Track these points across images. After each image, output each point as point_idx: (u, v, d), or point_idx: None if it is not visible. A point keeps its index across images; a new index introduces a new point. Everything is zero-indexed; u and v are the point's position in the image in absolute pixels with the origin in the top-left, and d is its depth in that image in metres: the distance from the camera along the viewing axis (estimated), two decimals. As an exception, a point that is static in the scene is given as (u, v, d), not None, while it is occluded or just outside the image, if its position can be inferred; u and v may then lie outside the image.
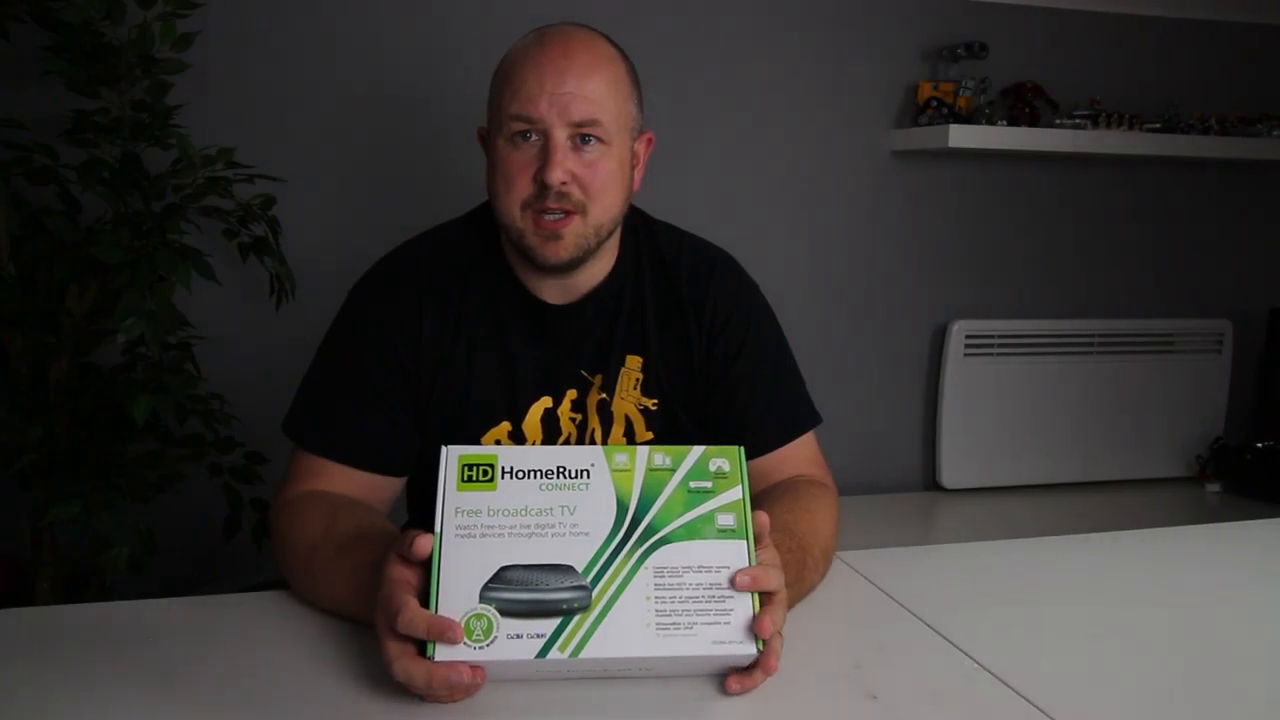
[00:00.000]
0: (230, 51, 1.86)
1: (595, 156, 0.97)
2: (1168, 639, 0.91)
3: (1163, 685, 0.81)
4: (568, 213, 0.97)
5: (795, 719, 0.74)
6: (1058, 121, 2.25)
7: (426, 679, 0.70)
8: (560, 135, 0.95)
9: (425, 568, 0.73)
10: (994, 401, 2.38)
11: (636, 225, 1.12)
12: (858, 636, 0.88)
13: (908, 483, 2.43)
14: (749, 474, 0.81)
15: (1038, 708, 0.76)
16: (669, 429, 1.09)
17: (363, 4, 1.93)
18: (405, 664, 0.70)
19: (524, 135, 0.96)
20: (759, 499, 0.98)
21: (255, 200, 1.67)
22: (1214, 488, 2.47)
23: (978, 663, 0.83)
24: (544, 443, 1.06)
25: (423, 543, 0.72)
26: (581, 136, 0.96)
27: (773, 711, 0.74)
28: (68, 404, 1.56)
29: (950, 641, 0.87)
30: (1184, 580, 1.07)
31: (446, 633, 0.69)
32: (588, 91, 0.96)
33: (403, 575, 0.74)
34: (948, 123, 2.13)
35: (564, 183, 0.95)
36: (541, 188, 0.96)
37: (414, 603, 0.71)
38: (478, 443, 1.05)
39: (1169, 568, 1.11)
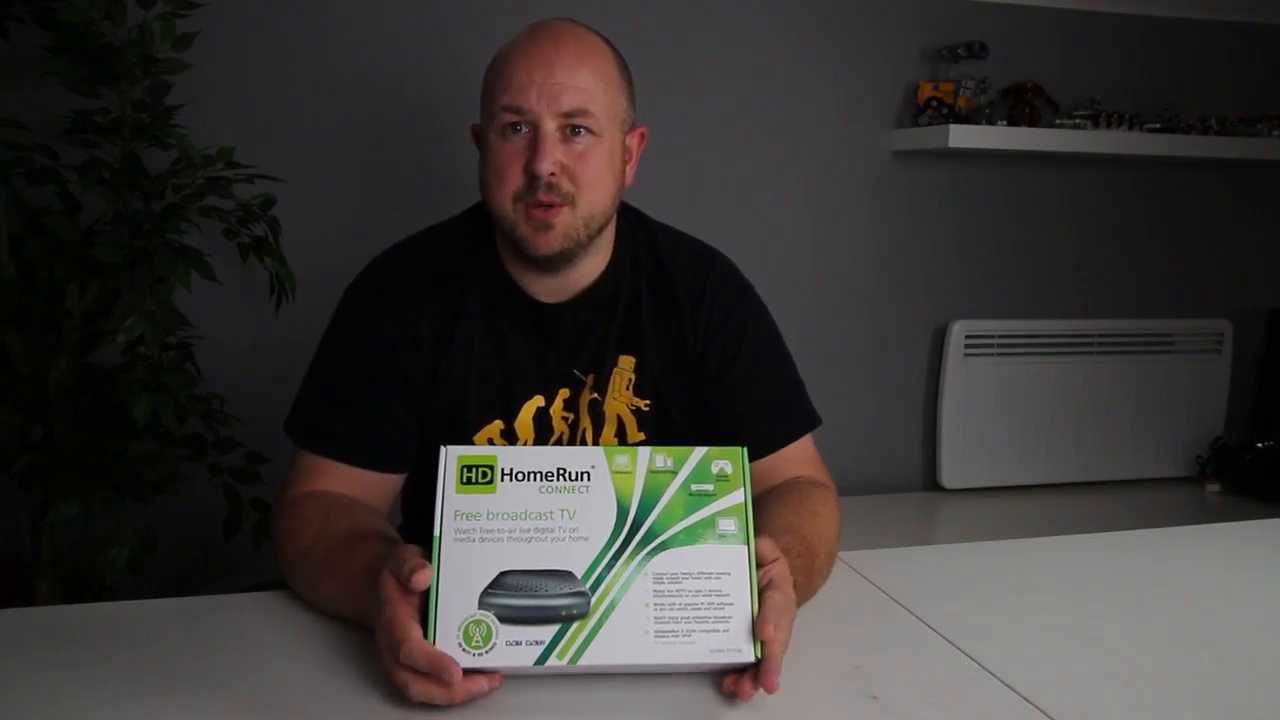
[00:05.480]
0: (230, 51, 1.86)
1: (585, 148, 0.97)
2: (1168, 639, 0.91)
3: (1163, 685, 0.81)
4: (557, 204, 0.97)
5: (795, 719, 0.74)
6: (1058, 121, 2.25)
7: (447, 698, 0.70)
8: (550, 126, 0.95)
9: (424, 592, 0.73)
10: (994, 401, 2.38)
11: (634, 225, 1.12)
12: (858, 636, 0.88)
13: (908, 483, 2.43)
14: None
15: (1038, 708, 0.76)
16: (662, 430, 1.08)
17: (363, 4, 1.93)
18: (422, 686, 0.70)
19: (514, 127, 0.96)
20: (760, 501, 0.98)
21: (255, 200, 1.67)
22: (1214, 488, 2.47)
23: (978, 663, 0.83)
24: (536, 442, 1.06)
25: (421, 578, 0.71)
26: (571, 128, 0.96)
27: (773, 711, 0.74)
28: (68, 404, 1.56)
29: (950, 641, 0.87)
30: (1184, 580, 1.07)
31: (444, 672, 0.69)
32: (577, 82, 0.96)
33: (401, 595, 0.73)
34: (948, 123, 2.13)
35: (552, 174, 0.95)
36: (531, 179, 0.96)
37: (415, 633, 0.71)
38: (470, 440, 1.04)
39: (1169, 568, 1.11)
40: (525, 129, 0.96)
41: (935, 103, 2.18)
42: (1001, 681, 0.80)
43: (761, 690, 0.73)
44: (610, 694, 0.75)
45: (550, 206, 0.96)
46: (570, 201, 0.97)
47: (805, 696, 0.76)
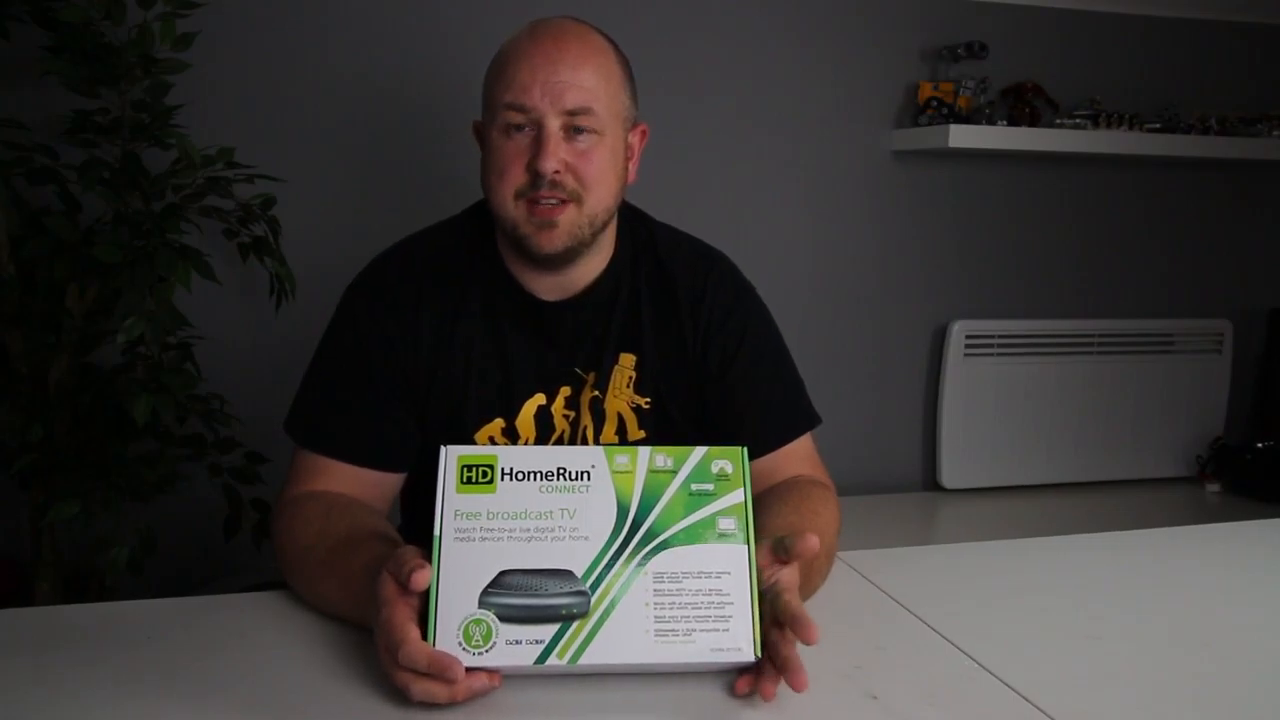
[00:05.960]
0: (230, 51, 1.86)
1: (588, 146, 0.97)
2: (1168, 639, 0.91)
3: (1163, 685, 0.81)
4: (562, 201, 0.97)
5: (795, 719, 0.74)
6: (1058, 121, 2.25)
7: (449, 696, 0.70)
8: (553, 124, 0.95)
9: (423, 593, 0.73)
10: (994, 401, 2.38)
11: (634, 224, 1.12)
12: (858, 636, 0.88)
13: (908, 483, 2.43)
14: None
15: (1038, 708, 0.76)
16: (662, 427, 1.09)
17: (363, 4, 1.93)
18: (423, 686, 0.70)
19: (517, 126, 0.96)
20: (760, 500, 0.98)
21: (255, 200, 1.67)
22: (1214, 488, 2.47)
23: (978, 663, 0.83)
24: (537, 440, 1.06)
25: (420, 578, 0.71)
26: (575, 127, 0.96)
27: (773, 712, 0.74)
28: (68, 404, 1.56)
29: (950, 641, 0.87)
30: (1184, 580, 1.07)
31: (446, 671, 0.69)
32: (580, 80, 0.96)
33: (400, 596, 0.73)
34: (948, 123, 2.13)
35: (556, 172, 0.95)
36: (535, 177, 0.96)
37: (414, 634, 0.71)
38: (471, 439, 1.04)
39: (1169, 568, 1.11)
40: (528, 127, 0.97)
41: (935, 103, 2.18)
42: (1001, 681, 0.80)
43: (764, 691, 0.73)
44: (610, 694, 0.75)
45: (554, 204, 0.97)
46: (576, 199, 0.97)
47: (805, 696, 0.76)
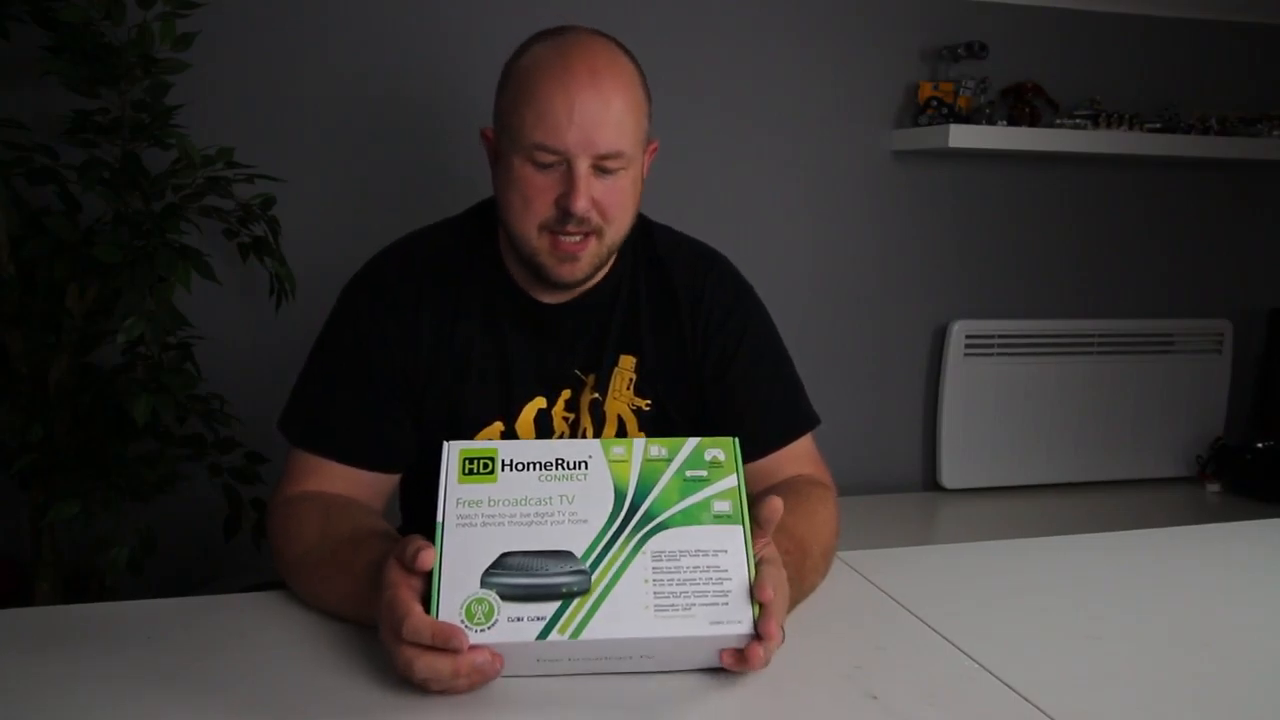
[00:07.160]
0: (230, 51, 1.86)
1: (614, 182, 0.97)
2: (1168, 639, 0.91)
3: (1163, 685, 0.81)
4: (586, 235, 0.97)
5: (795, 719, 0.74)
6: (1058, 121, 2.25)
7: (453, 670, 0.70)
8: (583, 165, 0.94)
9: (427, 574, 0.74)
10: (994, 401, 2.38)
11: (633, 225, 1.12)
12: (858, 636, 0.88)
13: (908, 483, 2.43)
14: (748, 475, 0.81)
15: (1038, 708, 0.76)
16: (662, 429, 1.08)
17: (363, 4, 1.93)
18: (427, 661, 0.70)
19: (545, 164, 0.95)
20: (758, 499, 0.98)
21: (255, 200, 1.67)
22: (1214, 488, 2.47)
23: (978, 663, 0.83)
24: None
25: (425, 557, 0.72)
26: (604, 168, 0.95)
27: (773, 711, 0.74)
28: (68, 404, 1.56)
29: (950, 641, 0.87)
30: (1184, 580, 1.07)
31: (451, 640, 0.70)
32: (611, 118, 0.94)
33: (404, 579, 0.74)
34: (948, 123, 2.13)
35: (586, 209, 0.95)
36: (564, 214, 0.95)
37: (418, 609, 0.71)
38: None
39: (1169, 568, 1.10)
40: (557, 164, 0.95)
41: (935, 103, 2.18)
42: (1001, 681, 0.80)
43: (762, 687, 0.73)
44: (608, 690, 0.75)
45: (578, 240, 0.96)
46: (598, 232, 0.97)
47: (805, 696, 0.76)
